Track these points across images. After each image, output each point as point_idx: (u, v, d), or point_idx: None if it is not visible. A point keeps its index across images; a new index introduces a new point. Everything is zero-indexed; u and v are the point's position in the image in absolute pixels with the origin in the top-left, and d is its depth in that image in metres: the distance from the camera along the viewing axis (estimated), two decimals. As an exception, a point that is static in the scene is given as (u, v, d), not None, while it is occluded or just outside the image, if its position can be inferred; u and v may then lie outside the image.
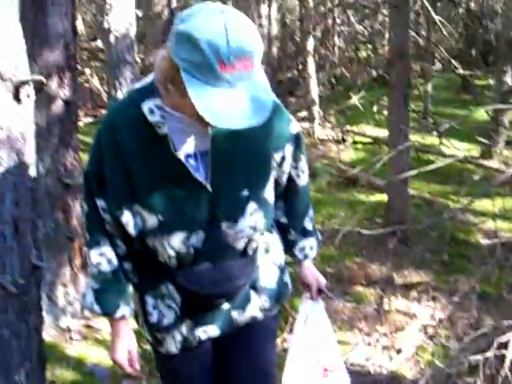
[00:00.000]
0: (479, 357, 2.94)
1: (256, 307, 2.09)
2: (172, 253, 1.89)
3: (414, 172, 3.63)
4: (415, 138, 7.65)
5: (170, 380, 2.22)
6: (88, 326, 4.04)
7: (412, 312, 4.46)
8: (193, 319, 2.01)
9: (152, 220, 1.87)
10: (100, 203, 1.91)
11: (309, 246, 2.26)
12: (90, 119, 9.31)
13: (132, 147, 1.84)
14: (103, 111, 8.95)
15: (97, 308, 1.97)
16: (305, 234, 2.24)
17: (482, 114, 7.82)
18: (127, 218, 1.88)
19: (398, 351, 4.13)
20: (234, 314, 2.05)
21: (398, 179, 4.98)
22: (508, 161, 7.10)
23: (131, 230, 1.89)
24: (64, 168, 4.04)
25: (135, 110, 1.82)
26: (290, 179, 2.10)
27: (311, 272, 2.35)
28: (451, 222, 5.41)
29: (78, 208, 4.10)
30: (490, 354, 2.90)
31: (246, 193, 1.89)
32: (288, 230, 2.21)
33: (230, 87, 1.60)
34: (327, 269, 4.79)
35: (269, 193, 1.97)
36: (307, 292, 2.48)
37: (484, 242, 4.96)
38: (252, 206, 1.91)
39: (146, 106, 1.81)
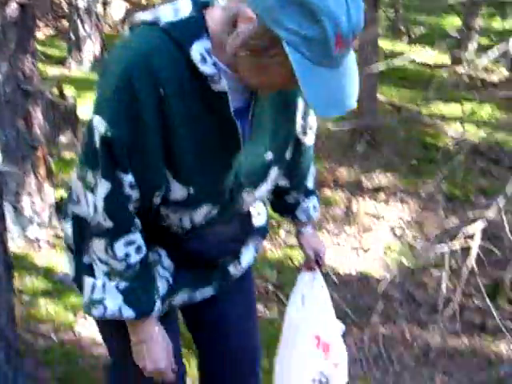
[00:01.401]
0: (445, 248, 3.00)
1: (251, 253, 1.95)
2: (188, 225, 1.65)
3: (383, 65, 3.56)
4: (386, 44, 7.54)
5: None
6: (56, 236, 4.01)
7: (380, 214, 4.52)
8: (188, 285, 1.81)
9: (181, 192, 1.55)
10: (128, 178, 1.47)
11: (312, 206, 2.05)
12: (51, 31, 8.95)
13: (180, 106, 1.44)
14: (65, 23, 8.60)
15: (129, 312, 1.58)
16: (307, 193, 2.04)
17: (454, 21, 7.70)
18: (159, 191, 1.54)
19: (366, 251, 4.21)
20: (231, 268, 1.90)
21: (369, 86, 4.92)
22: (477, 66, 7.05)
23: (156, 202, 1.57)
24: (23, 74, 3.89)
25: (178, 53, 1.41)
26: (296, 137, 1.82)
27: (312, 240, 2.14)
28: (419, 126, 5.42)
29: (39, 116, 3.99)
30: (456, 244, 2.95)
31: (270, 156, 1.66)
32: (287, 192, 1.99)
33: (337, 67, 1.34)
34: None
35: (288, 154, 1.76)
36: (306, 264, 2.29)
37: (452, 145, 5.00)
38: (274, 171, 1.71)
39: (196, 50, 1.40)
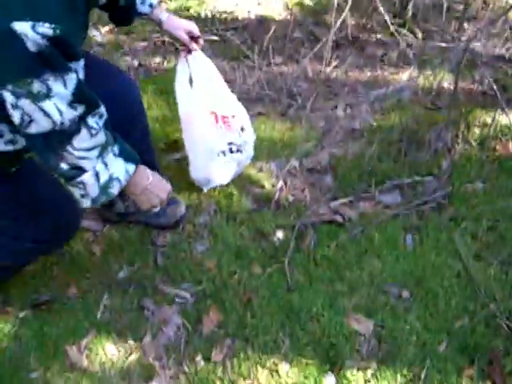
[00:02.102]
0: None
1: None
2: None
3: None
4: None
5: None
6: None
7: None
8: None
9: None
10: (80, 63, 1.59)
11: None
12: None
13: None
14: None
15: (131, 167, 1.75)
16: None
17: None
18: None
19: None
20: None
21: None
22: None
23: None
24: None
25: None
26: None
27: (175, 22, 2.22)
28: None
29: None
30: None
31: None
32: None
33: None
34: None
35: None
36: (181, 46, 2.30)
37: None
38: None
39: None
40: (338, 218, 2.52)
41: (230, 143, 2.49)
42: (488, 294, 2.22)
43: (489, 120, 2.91)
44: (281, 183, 2.68)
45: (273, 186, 2.70)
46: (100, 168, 1.66)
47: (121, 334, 2.20)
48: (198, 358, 2.11)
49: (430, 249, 2.42)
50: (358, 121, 3.01)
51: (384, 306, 2.24)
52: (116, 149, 1.70)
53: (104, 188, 1.69)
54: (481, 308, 2.19)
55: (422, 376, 2.00)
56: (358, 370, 2.04)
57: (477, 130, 2.93)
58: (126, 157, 1.72)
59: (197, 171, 2.55)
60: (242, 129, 2.53)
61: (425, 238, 2.46)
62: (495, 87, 2.66)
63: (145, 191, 1.83)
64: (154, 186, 1.84)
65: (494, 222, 2.49)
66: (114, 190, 1.71)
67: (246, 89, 3.21)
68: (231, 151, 2.51)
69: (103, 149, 1.65)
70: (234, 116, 2.49)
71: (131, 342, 2.17)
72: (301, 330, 2.16)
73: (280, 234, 2.48)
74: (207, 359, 2.11)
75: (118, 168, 1.70)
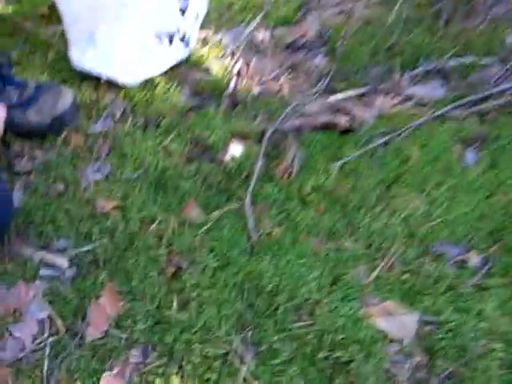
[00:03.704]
0: None
1: None
2: None
3: None
4: None
5: None
6: None
7: None
8: None
9: None
10: None
11: None
12: None
13: None
14: None
15: None
16: None
17: None
18: None
19: None
20: None
21: None
22: None
23: None
24: None
25: None
26: None
27: None
28: None
29: None
30: None
31: None
32: None
33: None
34: None
35: None
36: None
37: None
38: None
39: None
40: (341, 121, 1.41)
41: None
42: None
43: None
44: (239, 65, 1.55)
45: (226, 70, 1.57)
46: None
47: None
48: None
49: (508, 173, 1.33)
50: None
51: (435, 283, 1.17)
52: None
53: None
54: None
55: None
56: None
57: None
58: None
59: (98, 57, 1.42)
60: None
61: (498, 156, 1.36)
62: None
63: None
64: None
65: None
66: None
67: None
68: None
69: None
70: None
71: None
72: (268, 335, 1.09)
73: (236, 150, 1.36)
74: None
75: None
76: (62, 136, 1.44)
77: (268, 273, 1.17)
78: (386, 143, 1.38)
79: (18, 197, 1.35)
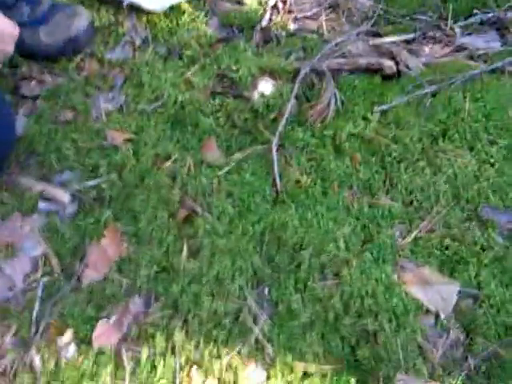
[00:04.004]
0: None
1: None
2: None
3: None
4: None
5: None
6: None
7: None
8: None
9: None
10: None
11: None
12: None
13: None
14: None
15: None
16: None
17: None
18: None
19: None
20: None
21: None
22: None
23: None
24: None
25: None
26: None
27: None
28: None
29: None
30: None
31: None
32: None
33: None
34: None
35: None
36: None
37: None
38: None
39: None
40: (386, 65, 1.25)
41: None
42: None
43: None
44: (274, 0, 1.40)
45: (260, 1, 1.41)
46: None
47: None
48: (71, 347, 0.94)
49: None
50: None
51: (480, 251, 1.03)
52: None
53: None
54: None
55: None
56: None
57: None
58: None
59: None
60: None
61: None
62: None
63: None
64: None
65: None
66: None
67: None
68: None
69: None
70: None
71: None
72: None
73: (266, 87, 1.21)
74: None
75: None
76: (75, 61, 1.30)
77: (292, 224, 1.04)
78: (434, 93, 1.22)
79: (21, 122, 1.22)
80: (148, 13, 1.36)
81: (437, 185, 1.09)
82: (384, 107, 1.17)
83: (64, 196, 1.13)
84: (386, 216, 1.07)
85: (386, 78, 1.25)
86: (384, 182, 1.11)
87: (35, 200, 1.12)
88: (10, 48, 1.15)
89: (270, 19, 1.36)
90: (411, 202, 1.09)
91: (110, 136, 1.18)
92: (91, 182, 1.13)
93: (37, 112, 1.23)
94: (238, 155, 1.14)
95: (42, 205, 1.13)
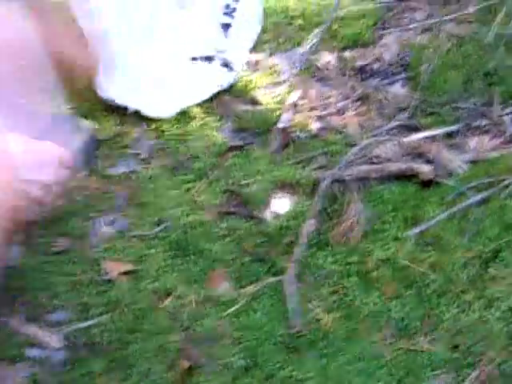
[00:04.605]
0: None
1: None
2: None
3: None
4: None
5: None
6: None
7: None
8: None
9: None
10: None
11: None
12: None
13: None
14: None
15: None
16: None
17: None
18: None
19: None
20: None
21: None
22: None
23: None
24: None
25: None
26: None
27: None
28: None
29: None
30: None
31: None
32: None
33: None
34: None
35: None
36: None
37: None
38: None
39: None
40: (423, 170, 1.08)
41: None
42: None
43: None
44: (296, 94, 1.26)
45: (279, 100, 1.27)
46: None
47: None
48: None
49: None
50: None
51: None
52: None
53: None
54: None
55: None
56: None
57: None
58: None
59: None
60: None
61: None
62: None
63: None
64: None
65: None
66: None
67: None
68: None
69: None
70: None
71: None
72: None
73: (281, 205, 1.06)
74: None
75: None
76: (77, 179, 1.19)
77: (312, 381, 0.85)
78: (483, 201, 1.03)
79: (15, 253, 1.11)
80: (155, 119, 1.25)
81: (490, 322, 0.89)
82: (421, 225, 0.99)
83: (54, 341, 0.99)
84: (428, 364, 0.87)
85: (425, 184, 1.07)
86: (423, 319, 0.91)
87: (22, 345, 0.99)
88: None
89: (289, 119, 1.22)
90: (458, 346, 0.89)
91: (106, 268, 1.04)
92: (82, 325, 0.99)
93: (31, 241, 1.11)
94: (249, 289, 0.97)
95: (29, 351, 0.99)
